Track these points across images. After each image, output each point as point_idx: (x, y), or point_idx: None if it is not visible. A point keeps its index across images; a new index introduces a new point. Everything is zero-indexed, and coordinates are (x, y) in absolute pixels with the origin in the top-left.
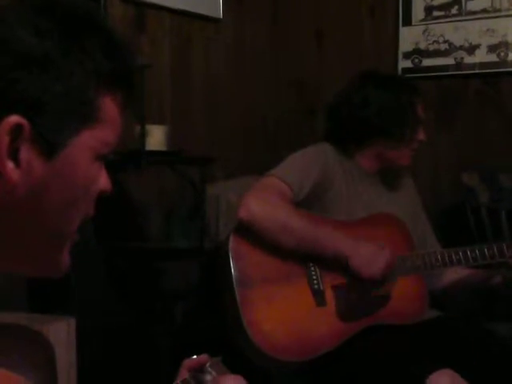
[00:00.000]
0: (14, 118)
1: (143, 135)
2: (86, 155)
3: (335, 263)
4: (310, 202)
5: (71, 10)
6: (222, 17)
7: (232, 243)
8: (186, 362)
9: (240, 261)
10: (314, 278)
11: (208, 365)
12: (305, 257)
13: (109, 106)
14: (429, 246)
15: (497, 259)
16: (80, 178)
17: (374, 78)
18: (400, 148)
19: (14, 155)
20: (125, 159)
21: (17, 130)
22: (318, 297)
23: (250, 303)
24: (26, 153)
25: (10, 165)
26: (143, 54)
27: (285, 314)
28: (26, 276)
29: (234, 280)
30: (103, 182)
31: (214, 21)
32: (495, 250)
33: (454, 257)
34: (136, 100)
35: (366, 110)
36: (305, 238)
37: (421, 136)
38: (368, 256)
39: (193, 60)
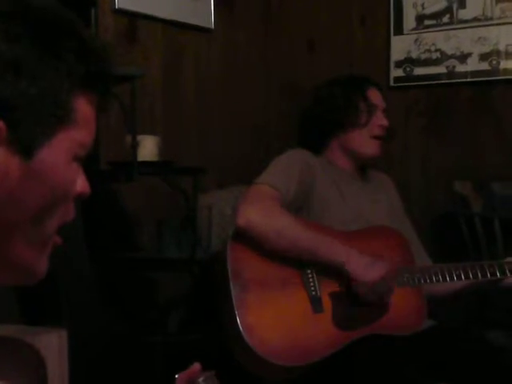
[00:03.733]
0: None
1: (135, 146)
2: (62, 156)
3: (332, 270)
4: (297, 204)
5: (43, 13)
6: (213, 27)
7: (230, 249)
8: (179, 376)
9: (237, 266)
10: (312, 284)
11: (201, 379)
12: (302, 263)
13: (84, 108)
14: (415, 251)
15: (498, 277)
16: (58, 180)
17: (329, 80)
18: (357, 134)
19: None
20: (116, 170)
21: None
22: (315, 303)
23: (246, 308)
24: (2, 155)
25: None
26: (135, 64)
27: (281, 319)
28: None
29: (230, 285)
30: (81, 184)
31: (205, 31)
32: (496, 267)
33: (453, 273)
34: (126, 110)
35: (318, 107)
36: (302, 244)
37: (379, 121)
38: (365, 261)
39: (184, 70)
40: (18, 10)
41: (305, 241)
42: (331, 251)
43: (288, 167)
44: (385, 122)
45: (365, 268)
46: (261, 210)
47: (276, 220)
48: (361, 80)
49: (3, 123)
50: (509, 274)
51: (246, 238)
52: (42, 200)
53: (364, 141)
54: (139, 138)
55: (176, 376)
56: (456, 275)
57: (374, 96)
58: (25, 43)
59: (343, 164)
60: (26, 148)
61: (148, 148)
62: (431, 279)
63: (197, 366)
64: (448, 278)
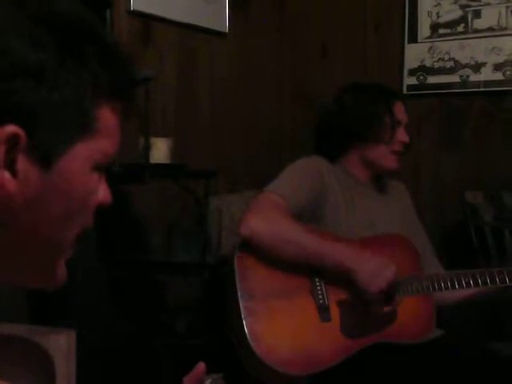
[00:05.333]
0: (11, 128)
1: (147, 148)
2: (83, 166)
3: (340, 278)
4: (308, 214)
5: (68, 19)
6: (227, 31)
7: (238, 257)
8: (186, 378)
9: (245, 275)
10: (320, 292)
11: (209, 381)
12: (310, 271)
13: (107, 117)
14: (426, 258)
15: (507, 284)
16: (78, 190)
17: (352, 86)
18: (379, 148)
19: (11, 165)
20: (128, 172)
21: (13, 139)
22: (323, 312)
23: (254, 316)
24: (22, 163)
25: (7, 175)
26: (148, 66)
27: (289, 327)
28: (24, 287)
29: (238, 293)
30: (103, 193)
31: (219, 34)
32: (506, 274)
33: (463, 280)
34: (140, 112)
35: (341, 115)
36: (308, 252)
37: (401, 137)
38: (372, 270)
39: (198, 73)
40: (42, 14)
41: (312, 246)
42: (339, 259)
43: (300, 176)
44: (407, 139)
45: (372, 277)
46: (264, 219)
47: (280, 227)
48: (388, 92)
49: (23, 131)
50: None
51: (252, 246)
52: (61, 210)
53: (384, 155)
54: (152, 140)
55: (183, 380)
56: (465, 282)
57: (399, 111)
58: (48, 49)
59: (359, 174)
60: (45, 157)
61: (160, 150)
62: (440, 287)
63: (201, 365)
64: (457, 285)
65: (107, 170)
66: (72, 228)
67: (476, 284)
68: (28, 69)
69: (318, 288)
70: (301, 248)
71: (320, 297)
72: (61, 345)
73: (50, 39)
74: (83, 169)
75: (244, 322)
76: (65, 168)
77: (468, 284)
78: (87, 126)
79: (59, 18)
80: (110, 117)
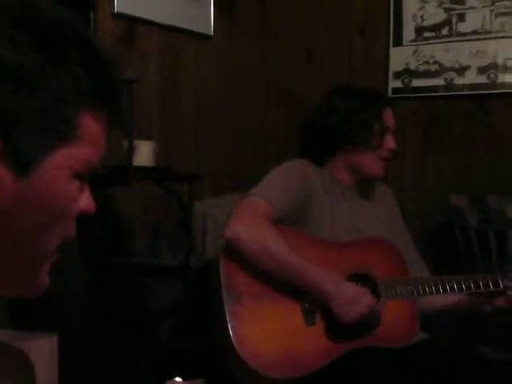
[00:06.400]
0: None
1: (131, 150)
2: (63, 173)
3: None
4: (292, 217)
5: (51, 22)
6: (212, 33)
7: (223, 260)
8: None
9: (230, 278)
10: (304, 296)
11: None
12: None
13: (90, 124)
14: (412, 262)
15: (490, 289)
16: (57, 198)
17: (342, 89)
18: (367, 155)
19: None
20: (112, 174)
21: None
22: (308, 316)
23: (239, 319)
24: None
25: None
26: (132, 68)
27: (274, 331)
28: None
29: (223, 296)
30: (85, 202)
31: (204, 37)
32: (490, 280)
33: (447, 284)
34: (124, 116)
35: (331, 118)
36: (285, 268)
37: (389, 144)
38: (349, 298)
39: (182, 76)
40: (25, 16)
41: (289, 264)
42: (317, 281)
43: (285, 179)
44: (394, 146)
45: (347, 306)
46: (249, 226)
47: (263, 238)
48: (378, 98)
49: None
50: (501, 284)
51: (235, 250)
52: (39, 217)
53: (371, 162)
54: (135, 142)
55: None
56: (449, 286)
57: (388, 117)
58: (29, 52)
59: (344, 178)
60: (22, 163)
61: (144, 153)
62: (424, 291)
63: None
64: (441, 290)
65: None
66: (52, 237)
67: (460, 289)
68: (7, 72)
69: (303, 292)
70: (279, 265)
71: (305, 301)
72: (42, 350)
73: (31, 43)
74: (63, 177)
75: (229, 325)
76: (43, 175)
77: (452, 288)
78: (68, 132)
79: (42, 21)
80: (93, 124)
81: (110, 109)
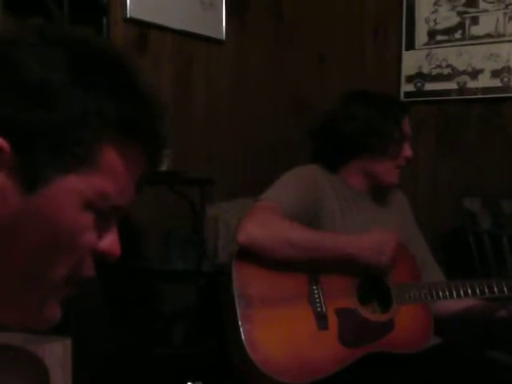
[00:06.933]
0: None
1: None
2: (72, 199)
3: (339, 284)
4: (304, 223)
5: (89, 46)
6: (224, 38)
7: (235, 265)
8: None
9: (243, 282)
10: (317, 300)
11: None
12: (308, 279)
13: (112, 157)
14: (427, 267)
15: (505, 294)
16: (62, 223)
17: (361, 95)
18: (384, 163)
19: None
20: None
21: None
22: (321, 320)
23: (251, 324)
24: (1, 180)
25: None
26: (144, 74)
27: (286, 335)
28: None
29: (235, 301)
30: (109, 243)
31: (216, 42)
32: (504, 285)
33: (461, 289)
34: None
35: (350, 124)
36: (308, 247)
37: (407, 152)
38: (374, 246)
39: (194, 81)
40: (61, 37)
41: (310, 243)
42: (339, 246)
43: (295, 185)
44: (411, 154)
45: (377, 254)
46: (261, 224)
47: (278, 229)
48: (399, 107)
49: (8, 145)
50: None
51: (250, 254)
52: (42, 241)
53: (388, 170)
54: None
55: None
56: (463, 291)
57: (407, 126)
58: (57, 69)
59: (357, 184)
60: (31, 178)
61: None
62: (438, 296)
63: None
64: (455, 295)
65: (120, 218)
66: (57, 266)
67: (474, 293)
68: (30, 84)
69: (316, 296)
70: (301, 245)
71: (318, 305)
72: (56, 353)
73: (62, 61)
74: (73, 203)
75: (241, 329)
76: (51, 196)
77: (466, 293)
78: (85, 158)
79: (79, 43)
80: (116, 158)
81: (144, 150)
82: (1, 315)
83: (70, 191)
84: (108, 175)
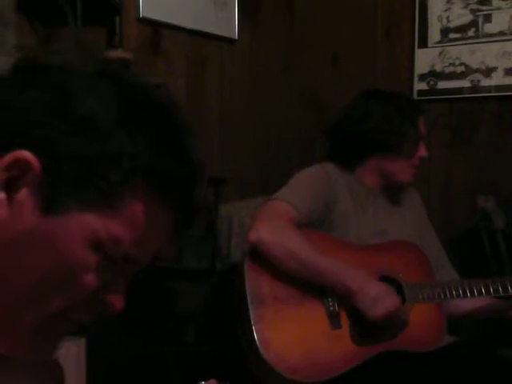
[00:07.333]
0: (26, 154)
1: None
2: (83, 234)
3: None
4: (318, 222)
5: (142, 89)
6: (237, 38)
7: (247, 263)
8: None
9: (255, 281)
10: (330, 299)
11: None
12: None
13: (137, 205)
14: (440, 266)
15: None
16: (66, 254)
17: (377, 94)
18: (399, 162)
19: (11, 191)
20: None
21: (23, 167)
22: (334, 319)
23: (263, 323)
24: (23, 196)
25: (2, 195)
26: (158, 73)
27: (298, 334)
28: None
29: (248, 299)
30: (115, 294)
31: (229, 41)
32: None
33: (474, 288)
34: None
35: (367, 123)
36: (312, 269)
37: (422, 152)
38: (375, 294)
39: (207, 80)
40: (117, 72)
41: (315, 265)
42: (343, 279)
43: (309, 184)
44: (425, 154)
45: (374, 303)
46: (273, 229)
47: (287, 240)
48: (414, 106)
49: (39, 165)
50: None
51: (260, 253)
52: (42, 265)
53: (403, 169)
54: None
55: None
56: (477, 290)
57: (422, 125)
58: (109, 104)
59: (372, 183)
60: (50, 202)
61: None
62: (451, 294)
63: (213, 382)
64: (469, 294)
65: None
66: (53, 296)
67: (488, 292)
68: (77, 112)
69: (329, 295)
70: (305, 265)
71: (330, 303)
72: (70, 353)
73: (114, 98)
74: (82, 237)
75: (254, 328)
76: (64, 224)
77: (480, 292)
78: (108, 198)
79: (134, 86)
80: (140, 206)
81: (174, 209)
82: None
83: (84, 225)
84: (127, 222)
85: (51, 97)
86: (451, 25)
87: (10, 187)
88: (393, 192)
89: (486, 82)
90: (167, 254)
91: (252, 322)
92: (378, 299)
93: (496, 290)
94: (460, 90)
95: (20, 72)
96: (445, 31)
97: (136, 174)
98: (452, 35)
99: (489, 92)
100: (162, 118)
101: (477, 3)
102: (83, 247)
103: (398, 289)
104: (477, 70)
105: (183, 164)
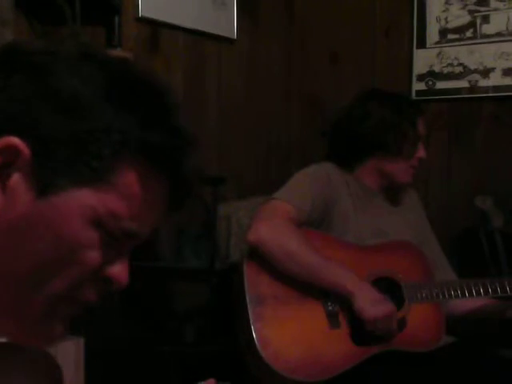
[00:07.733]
0: (15, 140)
1: None
2: (81, 213)
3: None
4: (317, 221)
5: (128, 67)
6: (236, 37)
7: (247, 263)
8: None
9: (254, 280)
10: (329, 299)
11: None
12: None
13: (130, 178)
14: (439, 266)
15: None
16: (65, 233)
17: (376, 94)
18: (398, 162)
19: (3, 179)
20: None
21: (13, 153)
22: (332, 318)
23: (262, 322)
24: (16, 182)
25: None
26: (156, 73)
27: (297, 333)
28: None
29: (247, 299)
30: (117, 270)
31: (228, 41)
32: None
33: (473, 288)
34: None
35: (366, 123)
36: (311, 271)
37: (420, 153)
38: (373, 298)
39: (206, 80)
40: (101, 54)
41: (312, 266)
42: (341, 280)
43: (309, 183)
44: (425, 155)
45: (371, 304)
46: (272, 229)
47: (287, 241)
48: (413, 106)
49: (28, 149)
50: None
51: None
52: (42, 248)
53: (402, 170)
54: None
55: None
56: (475, 290)
57: (421, 126)
58: (93, 83)
59: (371, 183)
60: (43, 184)
61: None
62: (449, 295)
63: (212, 381)
64: (467, 294)
65: (130, 248)
66: (56, 278)
67: (486, 292)
68: (60, 92)
69: (327, 294)
70: (304, 265)
71: (329, 303)
72: (69, 352)
73: (98, 76)
74: (80, 216)
75: (252, 327)
76: (60, 205)
77: (478, 292)
78: (99, 173)
79: (119, 64)
80: (134, 180)
81: (169, 181)
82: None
83: (81, 204)
84: (123, 196)
85: (35, 80)
86: (449, 25)
87: (2, 174)
88: (392, 192)
89: (484, 83)
90: (165, 228)
91: (251, 321)
92: (374, 301)
93: (494, 290)
94: (458, 91)
95: (4, 59)
96: (443, 32)
97: (126, 147)
98: (450, 36)
99: (487, 92)
100: (150, 95)
101: (475, 4)
102: (83, 225)
103: (397, 289)
104: (475, 71)
105: (173, 136)
